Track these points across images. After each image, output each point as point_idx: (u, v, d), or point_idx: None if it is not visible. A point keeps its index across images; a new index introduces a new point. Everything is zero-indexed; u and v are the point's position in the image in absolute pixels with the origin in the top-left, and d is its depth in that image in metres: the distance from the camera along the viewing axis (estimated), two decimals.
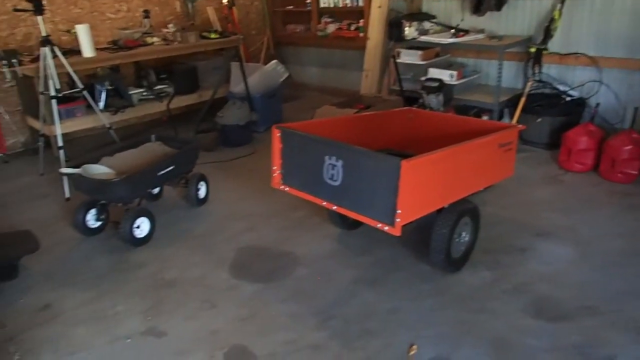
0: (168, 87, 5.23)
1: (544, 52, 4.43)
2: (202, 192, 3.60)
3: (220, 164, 4.33)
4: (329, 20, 6.17)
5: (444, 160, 2.35)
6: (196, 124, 4.66)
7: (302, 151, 2.54)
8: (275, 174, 2.70)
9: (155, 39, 5.13)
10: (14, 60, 4.10)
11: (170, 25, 5.34)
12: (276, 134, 2.63)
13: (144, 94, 5.12)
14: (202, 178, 3.60)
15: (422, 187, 2.25)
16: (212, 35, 5.46)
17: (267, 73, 5.18)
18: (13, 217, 3.51)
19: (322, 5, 6.10)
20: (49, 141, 4.44)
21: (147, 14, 5.41)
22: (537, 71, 4.52)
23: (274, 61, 5.32)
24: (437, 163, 2.30)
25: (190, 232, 3.23)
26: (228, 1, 6.08)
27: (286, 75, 5.42)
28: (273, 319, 2.38)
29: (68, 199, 3.71)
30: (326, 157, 2.41)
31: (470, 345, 2.15)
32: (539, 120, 4.21)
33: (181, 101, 5.24)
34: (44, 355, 2.19)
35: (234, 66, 5.12)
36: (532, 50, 4.47)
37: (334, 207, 2.44)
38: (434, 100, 4.35)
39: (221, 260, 2.88)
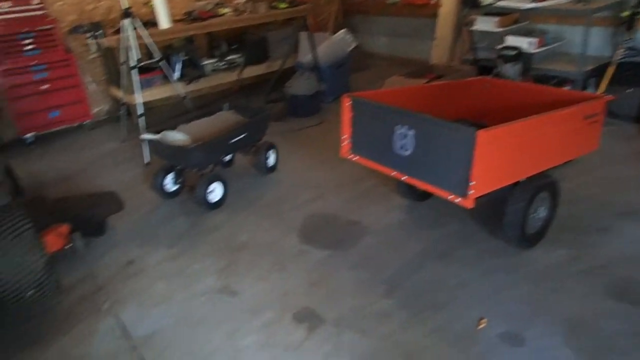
0: (239, 58, 5.34)
1: (638, 16, 4.04)
2: (271, 161, 3.68)
3: (289, 134, 4.40)
4: None
5: (523, 132, 2.24)
6: (265, 94, 4.74)
7: (373, 120, 2.52)
8: (344, 144, 2.70)
9: (227, 10, 5.22)
10: (98, 33, 4.35)
11: None
12: (346, 102, 2.62)
13: (216, 64, 5.26)
14: (272, 147, 3.68)
15: (498, 159, 2.16)
16: (281, 6, 5.47)
17: (335, 43, 5.13)
18: (99, 180, 3.78)
19: None
20: (129, 110, 4.71)
21: None
22: (629, 38, 4.14)
23: (343, 30, 5.25)
24: (515, 134, 2.20)
25: (260, 199, 3.33)
26: None
27: (354, 44, 5.34)
28: (341, 285, 2.43)
29: (147, 164, 3.94)
30: (397, 127, 2.38)
31: (543, 324, 2.09)
32: (629, 91, 3.89)
33: (251, 71, 5.34)
34: (130, 306, 2.38)
35: (303, 36, 5.11)
36: (625, 14, 4.08)
37: (404, 178, 2.41)
38: (510, 69, 4.13)
39: (290, 227, 2.96)
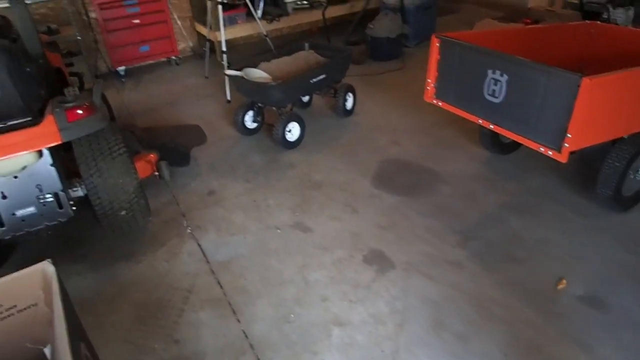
0: None
1: None
2: (349, 103, 3.63)
3: (368, 77, 4.29)
4: None
5: (634, 82, 2.01)
6: (347, 35, 4.61)
7: (462, 63, 2.37)
8: (429, 87, 2.59)
9: None
10: None
11: None
12: (435, 43, 2.48)
13: (299, 2, 5.16)
14: (350, 89, 3.62)
15: (602, 110, 1.97)
16: None
17: None
18: (183, 112, 3.94)
19: None
20: (213, 47, 4.80)
21: None
22: None
23: None
24: (625, 85, 1.99)
25: (336, 141, 3.32)
26: None
27: None
28: (412, 231, 2.41)
29: (229, 102, 4.04)
30: (489, 71, 2.22)
31: (629, 289, 1.96)
32: None
33: (333, 11, 5.19)
34: (209, 232, 2.53)
35: None
36: None
37: (491, 126, 2.28)
38: (622, 14, 3.69)
39: (364, 170, 2.95)
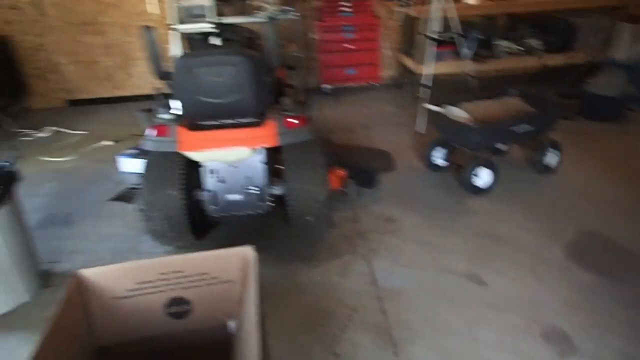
0: (537, 43, 4.93)
1: None
2: (551, 160, 3.35)
3: (578, 136, 3.90)
4: None
5: None
6: (561, 87, 4.28)
7: None
8: None
9: None
10: (407, 2, 4.58)
11: None
12: None
13: (511, 46, 4.98)
14: (555, 145, 3.34)
15: None
16: None
17: None
18: (375, 136, 4.10)
19: None
20: (414, 79, 4.90)
21: None
22: None
23: None
24: None
25: (529, 197, 3.09)
26: None
27: None
28: (607, 319, 2.10)
29: (420, 134, 4.07)
30: None
31: None
32: None
33: (549, 59, 4.87)
34: (382, 258, 2.56)
35: (622, 28, 4.37)
36: None
37: None
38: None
39: (558, 236, 2.68)
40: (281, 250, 2.65)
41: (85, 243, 2.79)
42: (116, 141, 4.26)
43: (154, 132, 2.38)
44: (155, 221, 2.41)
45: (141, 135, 2.40)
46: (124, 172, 3.61)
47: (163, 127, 2.38)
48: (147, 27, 2.39)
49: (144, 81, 5.44)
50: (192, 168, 2.49)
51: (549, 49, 4.84)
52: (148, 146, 2.39)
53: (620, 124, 4.09)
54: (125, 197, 3.23)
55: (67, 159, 3.95)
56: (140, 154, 3.62)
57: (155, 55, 2.41)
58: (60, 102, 5.38)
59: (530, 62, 4.88)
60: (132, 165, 3.56)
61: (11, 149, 4.08)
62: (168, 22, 4.76)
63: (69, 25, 5.06)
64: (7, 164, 2.25)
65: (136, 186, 3.30)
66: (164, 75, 2.46)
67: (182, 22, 4.69)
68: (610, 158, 3.54)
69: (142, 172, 2.44)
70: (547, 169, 3.35)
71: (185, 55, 2.27)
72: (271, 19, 2.58)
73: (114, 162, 3.69)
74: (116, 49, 5.25)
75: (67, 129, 4.60)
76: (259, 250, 1.59)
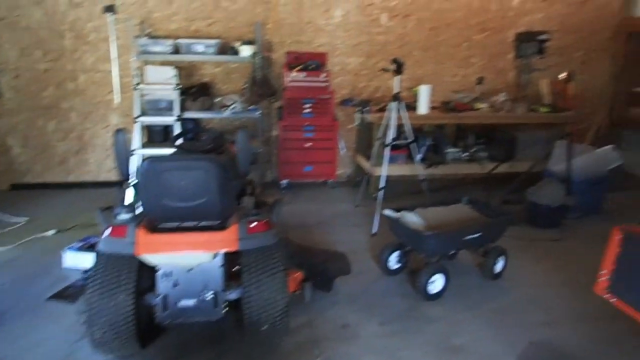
0: (483, 152, 5.33)
1: None
2: (499, 267, 3.48)
3: (522, 242, 4.11)
4: None
5: None
6: (504, 194, 4.57)
7: None
8: (602, 279, 2.38)
9: (483, 105, 5.31)
10: (365, 109, 4.90)
11: (502, 95, 5.43)
12: (616, 235, 2.33)
13: (459, 154, 5.34)
14: (503, 252, 3.48)
15: None
16: (543, 110, 5.30)
17: (597, 158, 4.69)
18: (331, 236, 4.14)
19: None
20: (369, 179, 5.10)
21: (480, 80, 5.66)
22: None
23: (610, 146, 4.77)
24: None
25: (481, 305, 3.14)
26: (566, 76, 5.80)
27: (619, 163, 4.78)
28: None
29: (374, 235, 4.16)
30: None
31: None
32: None
33: (493, 167, 5.23)
34: None
35: (559, 144, 4.82)
36: None
37: None
38: None
39: (511, 346, 2.70)
40: (234, 357, 2.51)
41: (11, 349, 2.54)
42: (62, 231, 4.07)
43: (111, 233, 2.31)
44: (98, 327, 2.26)
45: (91, 225, 2.34)
46: (68, 267, 3.41)
47: (121, 228, 2.31)
48: (119, 130, 2.42)
49: (99, 168, 5.36)
50: (145, 271, 2.40)
51: (493, 158, 5.23)
52: (103, 247, 2.30)
53: (560, 230, 4.36)
54: (67, 296, 3.03)
55: (5, 249, 3.71)
56: (89, 247, 3.47)
57: (124, 158, 2.42)
58: (6, 185, 5.17)
59: (477, 169, 5.22)
60: (78, 260, 3.38)
61: None
62: (132, 113, 4.83)
63: (27, 108, 5.01)
64: None
65: (82, 284, 3.12)
66: (129, 177, 2.45)
67: (144, 114, 4.77)
68: (551, 264, 3.72)
69: (89, 269, 2.32)
70: (495, 276, 3.47)
71: (151, 159, 2.28)
72: (242, 130, 2.66)
73: (58, 255, 3.49)
74: (74, 134, 5.20)
75: (9, 215, 4.37)
76: (211, 358, 1.50)
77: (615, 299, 2.32)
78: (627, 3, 5.96)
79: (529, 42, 5.56)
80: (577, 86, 6.01)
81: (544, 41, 5.44)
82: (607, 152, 4.75)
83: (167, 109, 4.77)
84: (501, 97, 5.39)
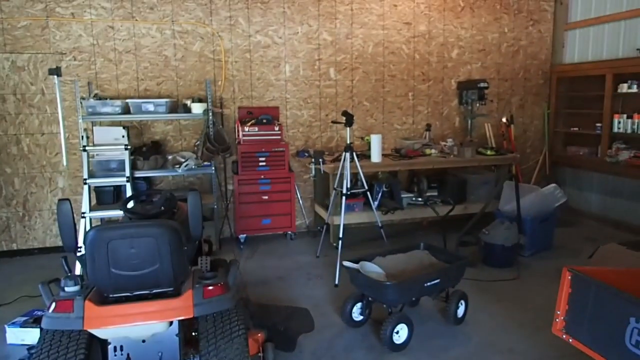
0: (436, 196, 5.48)
1: None
2: (460, 311, 3.50)
3: (479, 283, 4.18)
4: (623, 146, 5.55)
5: None
6: (459, 236, 4.67)
7: (599, 304, 2.24)
8: (558, 320, 2.44)
9: (433, 151, 5.51)
10: (320, 160, 4.97)
11: (450, 140, 5.66)
12: (566, 276, 2.41)
13: (414, 198, 5.46)
14: (463, 297, 3.52)
15: None
16: (489, 152, 5.55)
17: (543, 196, 4.91)
18: (293, 290, 4.06)
19: (615, 130, 5.56)
20: (328, 228, 5.10)
21: (429, 127, 5.91)
22: None
23: (553, 185, 5.02)
24: None
25: (446, 353, 3.13)
26: (507, 119, 6.15)
27: (563, 200, 5.03)
28: None
29: (336, 286, 4.12)
30: (632, 319, 2.06)
31: None
32: None
33: (446, 210, 5.36)
34: None
35: (507, 185, 5.03)
36: None
37: None
38: None
39: None
40: None
41: None
42: (4, 305, 3.80)
43: (56, 308, 2.17)
44: None
45: (37, 295, 2.18)
46: (11, 344, 3.16)
47: (66, 302, 2.18)
48: (62, 200, 2.32)
49: (45, 233, 5.10)
50: (95, 344, 2.26)
51: (445, 200, 5.37)
52: (48, 324, 2.15)
53: (515, 269, 4.47)
54: None
55: None
56: (34, 321, 3.24)
57: (69, 228, 2.31)
58: None
59: (431, 213, 5.33)
60: (21, 336, 3.14)
61: None
62: (80, 175, 4.68)
63: None
64: None
65: None
66: (76, 249, 2.34)
67: (94, 175, 4.63)
68: (509, 304, 3.78)
69: (35, 347, 2.16)
70: (458, 320, 3.48)
71: (98, 227, 2.20)
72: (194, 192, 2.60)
73: (1, 331, 3.24)
74: (17, 200, 4.97)
75: None
76: None
77: (571, 339, 2.37)
78: (554, 52, 6.46)
79: (470, 90, 5.90)
80: (518, 129, 6.39)
81: (483, 88, 5.78)
82: (551, 190, 4.99)
83: (118, 170, 4.65)
84: (449, 142, 5.61)
